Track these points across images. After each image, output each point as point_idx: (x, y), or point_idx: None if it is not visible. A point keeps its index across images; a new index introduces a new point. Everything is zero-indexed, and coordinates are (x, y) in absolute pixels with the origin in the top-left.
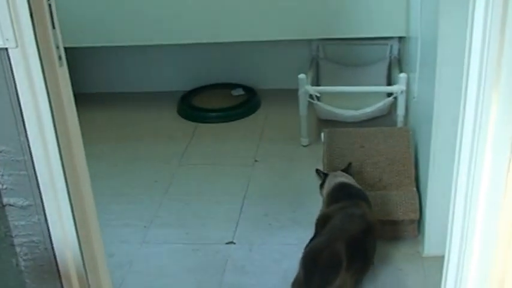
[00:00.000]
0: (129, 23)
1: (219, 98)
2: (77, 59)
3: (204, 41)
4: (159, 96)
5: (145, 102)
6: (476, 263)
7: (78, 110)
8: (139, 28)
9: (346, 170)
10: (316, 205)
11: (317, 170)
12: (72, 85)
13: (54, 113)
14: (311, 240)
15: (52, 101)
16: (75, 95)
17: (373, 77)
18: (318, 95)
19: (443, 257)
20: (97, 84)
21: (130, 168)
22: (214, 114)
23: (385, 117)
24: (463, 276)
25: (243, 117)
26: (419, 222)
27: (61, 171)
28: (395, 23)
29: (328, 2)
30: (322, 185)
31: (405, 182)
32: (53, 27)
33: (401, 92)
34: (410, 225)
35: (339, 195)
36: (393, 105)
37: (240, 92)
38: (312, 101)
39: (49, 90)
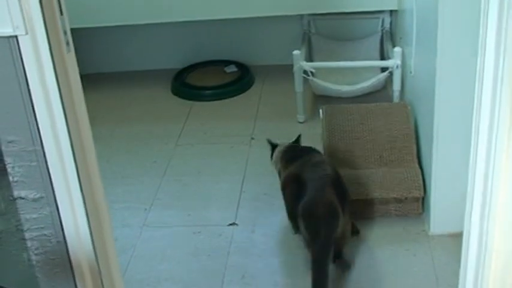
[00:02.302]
0: (120, 2)
1: (213, 75)
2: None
3: (195, 18)
4: (152, 75)
5: (139, 81)
6: (499, 239)
7: None
8: (130, 7)
9: (296, 141)
10: None
11: (268, 140)
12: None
13: (64, 101)
14: (287, 202)
15: (61, 88)
16: None
17: (365, 51)
18: (313, 71)
19: (450, 235)
20: (89, 64)
21: (128, 149)
22: (209, 92)
23: (381, 92)
24: (486, 254)
25: (237, 95)
26: (423, 200)
27: (72, 160)
28: None
29: None
30: (272, 156)
31: (407, 159)
32: (61, 13)
33: (397, 66)
34: (414, 203)
35: (292, 155)
36: (388, 80)
37: (233, 68)
38: (307, 77)
39: (58, 77)
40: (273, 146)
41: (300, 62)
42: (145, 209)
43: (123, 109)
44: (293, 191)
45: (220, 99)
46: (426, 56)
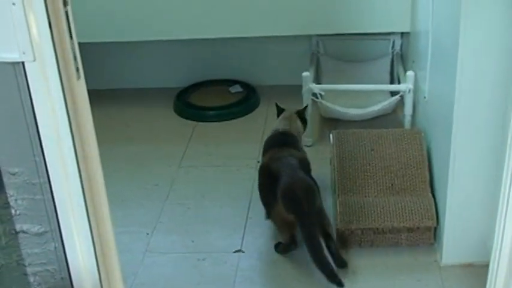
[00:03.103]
0: (122, 18)
1: (217, 95)
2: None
3: (200, 36)
4: (155, 93)
5: (141, 99)
6: None
7: None
8: (133, 23)
9: (302, 112)
10: (327, 206)
11: (276, 103)
12: None
13: (73, 131)
14: (261, 186)
15: (71, 117)
16: None
17: (375, 74)
18: (322, 93)
19: (462, 265)
20: (90, 80)
21: (128, 171)
22: (212, 112)
23: (390, 116)
24: None
25: (242, 116)
26: (435, 229)
27: (81, 195)
28: (399, 18)
29: None
30: (278, 116)
31: (419, 187)
32: (71, 37)
33: (409, 90)
34: (426, 232)
35: (271, 144)
36: (398, 104)
37: (238, 89)
38: (315, 99)
39: (68, 106)
40: (280, 110)
41: (309, 84)
42: (147, 234)
43: (124, 128)
44: (265, 181)
45: (225, 120)
46: (443, 80)
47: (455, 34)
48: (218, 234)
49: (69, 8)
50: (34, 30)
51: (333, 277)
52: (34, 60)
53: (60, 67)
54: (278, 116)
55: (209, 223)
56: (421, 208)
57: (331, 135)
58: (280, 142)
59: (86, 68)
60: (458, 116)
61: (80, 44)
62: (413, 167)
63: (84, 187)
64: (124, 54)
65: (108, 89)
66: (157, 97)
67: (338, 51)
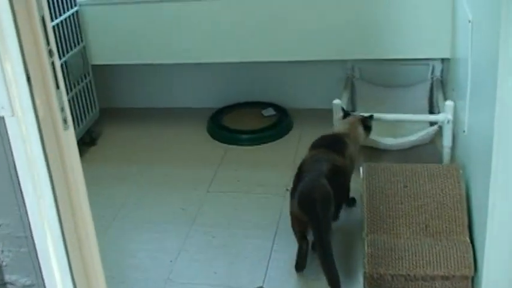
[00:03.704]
0: (160, 41)
1: (250, 118)
2: (109, 74)
3: (237, 60)
4: (190, 113)
5: (176, 119)
6: None
7: (104, 126)
8: (171, 47)
9: (366, 119)
10: (356, 246)
11: (342, 108)
12: (102, 99)
13: (56, 186)
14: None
15: (54, 171)
16: (104, 110)
17: (413, 100)
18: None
19: None
20: (127, 98)
21: (157, 193)
22: (245, 136)
23: (429, 146)
24: None
25: (274, 140)
26: (473, 279)
27: (63, 250)
28: (438, 43)
29: (365, 22)
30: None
31: (456, 231)
32: (57, 87)
33: (448, 121)
34: (462, 281)
35: (319, 143)
36: (438, 133)
37: (271, 112)
38: None
39: (49, 159)
40: (345, 114)
41: (340, 112)
42: (171, 261)
43: (156, 148)
44: (295, 176)
45: (257, 144)
46: (482, 112)
47: (494, 62)
48: (241, 267)
49: (55, 58)
50: (12, 84)
51: (336, 286)
52: (12, 115)
53: (43, 120)
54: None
55: (233, 254)
56: (457, 254)
57: (361, 169)
58: (327, 144)
59: (126, 86)
60: (497, 153)
61: (116, 65)
62: (450, 208)
63: (70, 244)
64: (160, 75)
65: (144, 108)
66: (193, 117)
67: (374, 76)
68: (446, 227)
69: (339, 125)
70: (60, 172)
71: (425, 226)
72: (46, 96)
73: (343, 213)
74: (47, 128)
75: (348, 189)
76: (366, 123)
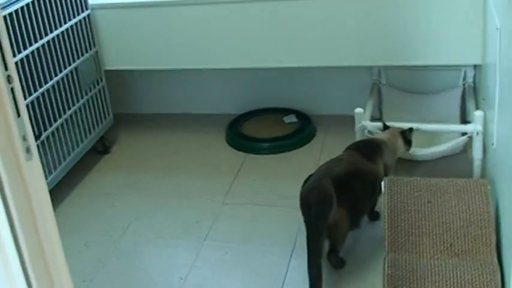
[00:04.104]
0: (179, 46)
1: (270, 125)
2: (123, 80)
3: (258, 66)
4: (207, 120)
5: (191, 126)
6: None
7: (118, 133)
8: (190, 52)
9: (405, 132)
10: (375, 265)
11: (382, 122)
12: (116, 106)
13: (19, 229)
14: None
15: (14, 206)
16: (118, 116)
17: (443, 108)
18: (379, 131)
19: None
20: (146, 104)
21: (171, 204)
22: (265, 145)
23: (460, 157)
24: None
25: (296, 148)
26: None
27: None
28: (470, 49)
29: (392, 27)
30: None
31: (483, 250)
32: (18, 115)
33: (477, 133)
34: None
35: (353, 145)
36: (469, 143)
37: (292, 119)
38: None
39: (6, 194)
40: (385, 127)
41: (362, 121)
42: (181, 279)
43: (172, 156)
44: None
45: (277, 152)
46: (510, 123)
47: None
48: (255, 286)
49: (15, 83)
50: None
51: None
52: None
53: (4, 150)
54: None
55: (247, 271)
56: (483, 276)
57: (383, 183)
58: (358, 147)
59: (138, 93)
60: None
61: (131, 70)
62: (477, 226)
63: None
64: (177, 81)
65: (160, 114)
66: (210, 124)
67: (402, 82)
68: (472, 246)
69: (380, 135)
70: (25, 211)
71: (450, 245)
72: (5, 125)
73: (364, 228)
74: (7, 159)
75: (373, 199)
76: (406, 137)
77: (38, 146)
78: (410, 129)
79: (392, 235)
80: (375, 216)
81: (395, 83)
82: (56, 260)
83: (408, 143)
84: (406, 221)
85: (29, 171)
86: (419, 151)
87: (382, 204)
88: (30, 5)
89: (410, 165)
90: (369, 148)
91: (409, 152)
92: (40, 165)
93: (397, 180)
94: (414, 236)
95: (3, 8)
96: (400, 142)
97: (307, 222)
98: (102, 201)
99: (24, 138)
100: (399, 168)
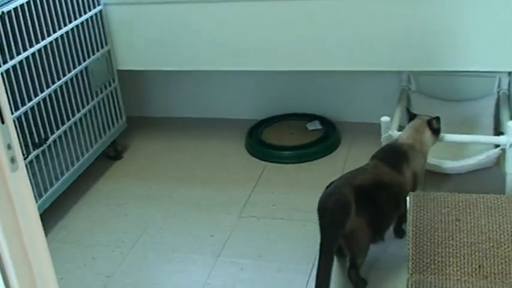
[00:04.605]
0: (198, 47)
1: (292, 132)
2: (136, 81)
3: (279, 68)
4: (226, 125)
5: (209, 131)
6: None
7: (131, 138)
8: (210, 53)
9: (433, 120)
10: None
11: (407, 108)
12: (129, 108)
13: (4, 248)
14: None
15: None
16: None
17: (476, 116)
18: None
19: None
20: (156, 108)
21: (185, 216)
22: (286, 153)
23: (494, 170)
24: None
25: (319, 158)
26: None
27: None
28: (504, 55)
29: (423, 30)
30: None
31: None
32: (2, 121)
33: (511, 145)
34: None
35: (377, 154)
36: (501, 156)
37: (316, 125)
38: None
39: None
40: (411, 116)
41: (389, 130)
42: None
43: (188, 162)
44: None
45: (298, 162)
46: None
47: None
48: None
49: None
50: None
51: None
52: None
53: None
54: (409, 121)
55: None
56: None
57: (408, 198)
58: (383, 156)
59: (153, 95)
60: None
61: (145, 71)
62: (508, 247)
63: None
64: (194, 82)
65: (175, 118)
66: (229, 129)
67: (432, 88)
68: (502, 268)
69: (404, 132)
70: (10, 227)
71: (479, 267)
72: None
73: (386, 246)
74: None
75: (398, 212)
76: (433, 126)
77: (44, 150)
78: (438, 118)
79: (417, 255)
80: (401, 233)
81: (425, 90)
82: (44, 279)
83: (436, 132)
84: (432, 240)
85: (14, 183)
86: (447, 163)
87: (407, 221)
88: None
89: (438, 178)
90: (395, 157)
91: (437, 164)
92: (27, 176)
93: (423, 196)
94: (440, 256)
95: (8, 2)
96: (427, 134)
97: (322, 227)
98: (111, 210)
99: (9, 147)
100: (426, 181)
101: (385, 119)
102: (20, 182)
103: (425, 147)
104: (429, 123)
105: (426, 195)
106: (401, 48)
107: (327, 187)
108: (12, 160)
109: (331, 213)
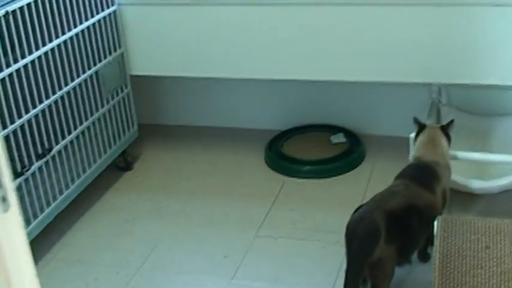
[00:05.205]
0: (213, 51)
1: (315, 145)
2: (150, 87)
3: (302, 78)
4: (244, 135)
5: (226, 142)
6: None
7: (143, 147)
8: (226, 58)
9: (447, 127)
10: None
11: (415, 119)
12: (141, 116)
13: None
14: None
15: None
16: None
17: (510, 133)
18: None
19: None
20: (170, 116)
21: (197, 234)
22: (306, 167)
23: None
24: None
25: (342, 173)
26: None
27: None
28: None
29: (456, 40)
30: (417, 136)
31: None
32: None
33: None
34: None
35: (404, 173)
36: None
37: (340, 138)
38: None
39: None
40: (421, 127)
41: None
42: None
43: (203, 175)
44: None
45: (320, 177)
46: None
47: None
48: None
49: None
50: None
51: None
52: None
53: None
54: (417, 134)
55: None
56: None
57: (435, 223)
58: (414, 174)
59: (167, 102)
60: None
61: (160, 76)
62: None
63: None
64: (211, 90)
65: (190, 126)
66: (248, 140)
67: (464, 102)
68: None
69: (420, 149)
70: (4, 265)
71: None
72: None
73: (410, 272)
74: None
75: (427, 234)
76: (449, 131)
77: (47, 161)
78: (452, 121)
79: (443, 284)
80: (426, 257)
81: (457, 103)
82: None
83: (449, 138)
84: (459, 269)
85: (5, 225)
86: (476, 183)
87: (434, 247)
88: None
89: (466, 199)
90: (426, 176)
91: (465, 184)
92: (20, 217)
93: (451, 220)
94: (468, 286)
95: (13, 0)
96: (445, 144)
97: (349, 255)
98: (119, 226)
99: (0, 185)
100: (452, 202)
101: (414, 135)
102: (12, 225)
103: (447, 158)
104: (443, 129)
105: (454, 220)
106: (434, 58)
107: (356, 210)
108: (3, 199)
109: (361, 240)
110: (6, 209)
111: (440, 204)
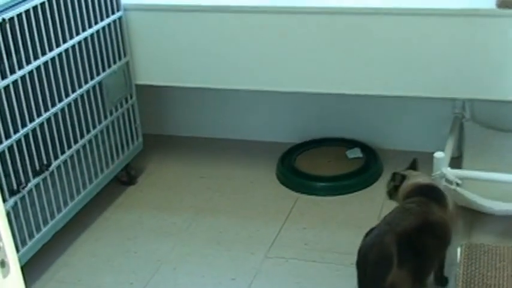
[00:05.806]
0: (223, 60)
1: (330, 159)
2: (156, 97)
3: (318, 90)
4: (255, 148)
5: (236, 155)
6: None
7: (148, 160)
8: (237, 68)
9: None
10: None
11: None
12: (147, 128)
13: None
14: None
15: None
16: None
17: None
18: (459, 182)
19: None
20: (177, 127)
21: (204, 254)
22: (320, 184)
23: None
24: None
25: (358, 190)
26: None
27: None
28: None
29: (482, 53)
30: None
31: None
32: None
33: None
34: None
35: (418, 192)
36: None
37: (357, 153)
38: (449, 185)
39: None
40: (402, 178)
41: (442, 168)
42: None
43: (210, 191)
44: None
45: (335, 194)
46: None
47: None
48: None
49: None
50: None
51: None
52: None
53: None
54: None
55: None
56: None
57: (458, 250)
58: (427, 191)
59: (174, 113)
60: None
61: (167, 86)
62: None
63: None
64: (221, 101)
65: (198, 138)
66: (259, 154)
67: (489, 117)
68: None
69: (420, 178)
70: None
71: None
72: None
73: None
74: None
75: (442, 256)
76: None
77: (45, 177)
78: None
79: None
80: (443, 282)
81: (481, 119)
82: None
83: None
84: None
85: None
86: (497, 205)
87: (457, 275)
88: (47, 4)
89: (487, 220)
90: (437, 193)
91: (486, 205)
92: (22, 281)
93: (476, 247)
94: None
95: (14, 5)
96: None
97: (361, 282)
98: (120, 245)
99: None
100: (473, 225)
101: (439, 155)
102: None
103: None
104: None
105: (479, 247)
106: (457, 73)
107: (367, 234)
108: (3, 264)
109: (373, 267)
110: (6, 274)
111: (452, 222)
